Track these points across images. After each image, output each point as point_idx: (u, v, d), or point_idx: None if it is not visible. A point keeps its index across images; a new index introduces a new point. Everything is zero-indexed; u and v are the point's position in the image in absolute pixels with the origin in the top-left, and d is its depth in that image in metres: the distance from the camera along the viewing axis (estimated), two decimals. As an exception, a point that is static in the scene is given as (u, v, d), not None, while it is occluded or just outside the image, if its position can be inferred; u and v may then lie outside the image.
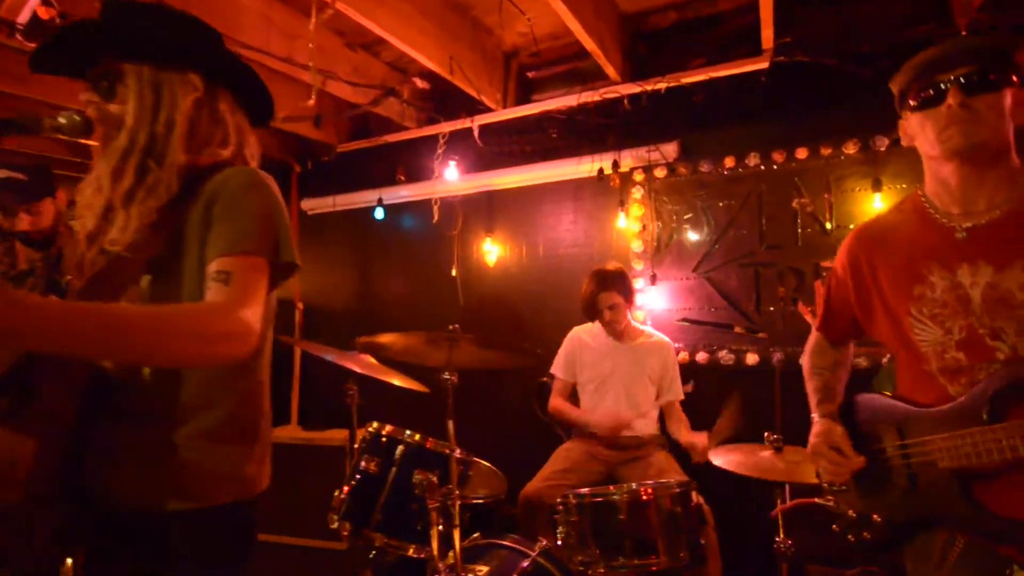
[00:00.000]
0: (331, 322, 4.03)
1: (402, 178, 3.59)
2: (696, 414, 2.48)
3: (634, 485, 1.74)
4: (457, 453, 1.76)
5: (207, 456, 1.05)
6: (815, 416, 1.28)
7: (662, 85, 2.80)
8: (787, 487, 1.88)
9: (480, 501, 2.18)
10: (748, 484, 1.77)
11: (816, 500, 1.35)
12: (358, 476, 1.69)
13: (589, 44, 2.52)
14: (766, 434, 1.74)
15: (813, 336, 1.44)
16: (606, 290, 2.40)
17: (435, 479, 1.59)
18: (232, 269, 0.98)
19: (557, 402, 2.62)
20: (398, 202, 3.73)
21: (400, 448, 1.71)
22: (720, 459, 1.70)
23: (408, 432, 1.75)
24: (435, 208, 3.47)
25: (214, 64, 1.10)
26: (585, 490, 1.81)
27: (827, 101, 2.57)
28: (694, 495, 1.74)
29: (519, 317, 3.32)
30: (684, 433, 2.31)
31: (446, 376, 1.56)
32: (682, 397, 2.50)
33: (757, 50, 2.59)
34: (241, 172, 1.08)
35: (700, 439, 2.12)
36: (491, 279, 3.44)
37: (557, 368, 2.65)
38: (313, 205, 4.09)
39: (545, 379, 2.93)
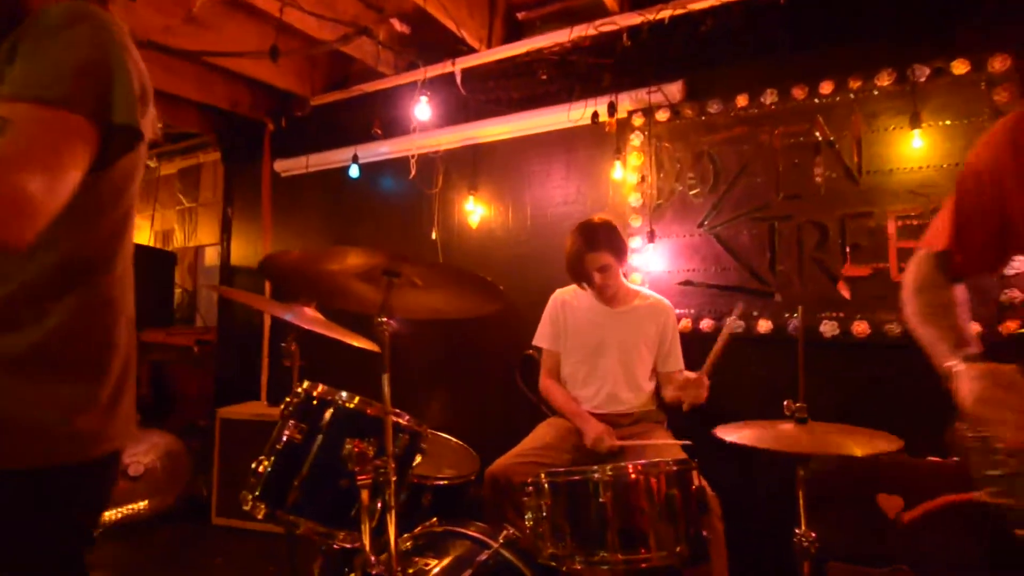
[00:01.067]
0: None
1: (378, 132, 3.26)
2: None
3: (620, 463, 1.41)
4: (404, 420, 1.44)
5: (4, 396, 0.74)
6: (952, 362, 0.93)
7: (665, 14, 2.44)
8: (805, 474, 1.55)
9: (444, 482, 1.86)
10: (761, 466, 1.44)
11: (968, 497, 0.97)
12: (279, 446, 1.37)
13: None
14: (786, 403, 1.40)
15: (922, 267, 1.10)
16: (594, 249, 2.05)
17: (370, 450, 1.27)
18: (12, 116, 0.67)
19: (548, 383, 2.28)
20: (375, 160, 3.40)
21: (329, 411, 1.39)
22: (731, 434, 1.36)
23: (344, 394, 1.42)
24: (412, 163, 3.14)
25: None
26: (560, 468, 1.48)
27: (856, 25, 2.21)
28: (695, 476, 1.41)
29: (505, 284, 2.97)
30: (671, 386, 1.97)
31: (381, 319, 1.23)
32: (682, 367, 2.16)
33: (776, -33, 2.23)
34: (58, 5, 0.76)
35: (694, 374, 1.80)
36: (474, 242, 3.11)
37: (542, 338, 2.31)
38: (287, 167, 3.78)
39: (531, 352, 2.61)
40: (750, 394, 2.28)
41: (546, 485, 1.40)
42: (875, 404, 2.12)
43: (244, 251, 4.07)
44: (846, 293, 2.16)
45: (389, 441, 1.20)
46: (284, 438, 1.37)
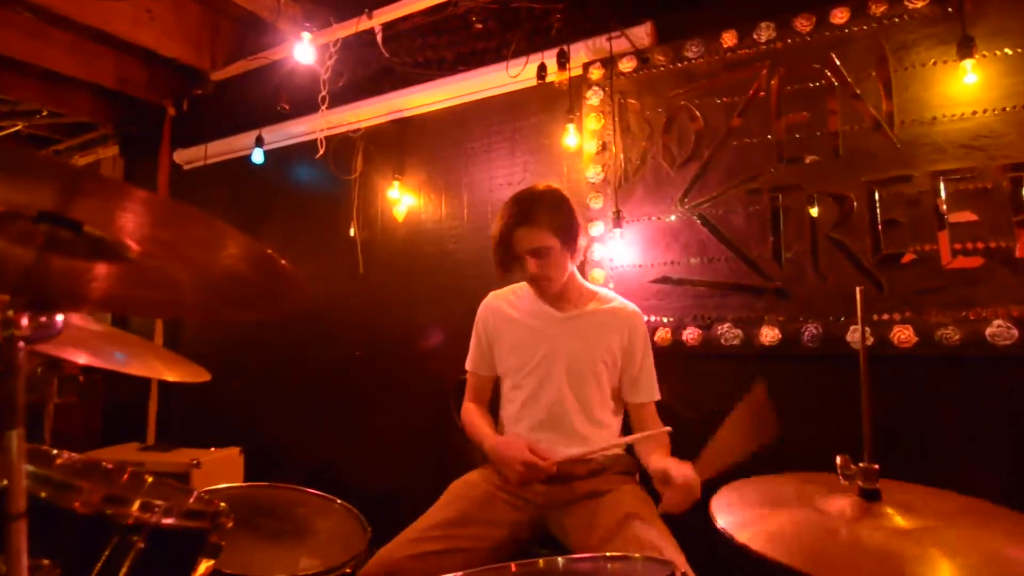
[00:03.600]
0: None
1: (285, 107, 2.64)
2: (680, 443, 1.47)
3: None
4: (155, 512, 0.79)
5: None
6: None
7: (627, -67, 1.89)
8: None
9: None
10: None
11: None
12: None
13: None
14: (839, 459, 0.78)
15: None
16: (527, 223, 1.42)
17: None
18: None
19: (467, 408, 1.66)
20: (285, 144, 2.80)
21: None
22: (741, 527, 0.74)
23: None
24: (320, 142, 2.52)
25: None
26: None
27: (878, -68, 1.66)
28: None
29: (439, 290, 2.36)
30: (655, 456, 1.32)
31: (11, 331, 0.59)
32: (658, 397, 1.54)
33: None
34: None
35: (679, 469, 1.17)
36: (399, 238, 2.49)
37: (470, 358, 1.68)
38: (189, 157, 3.16)
39: (465, 375, 1.96)
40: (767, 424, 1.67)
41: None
42: (928, 436, 1.52)
43: (142, 260, 3.40)
44: (878, 288, 1.57)
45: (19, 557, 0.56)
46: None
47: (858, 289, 0.95)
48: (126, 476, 1.07)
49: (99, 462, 1.07)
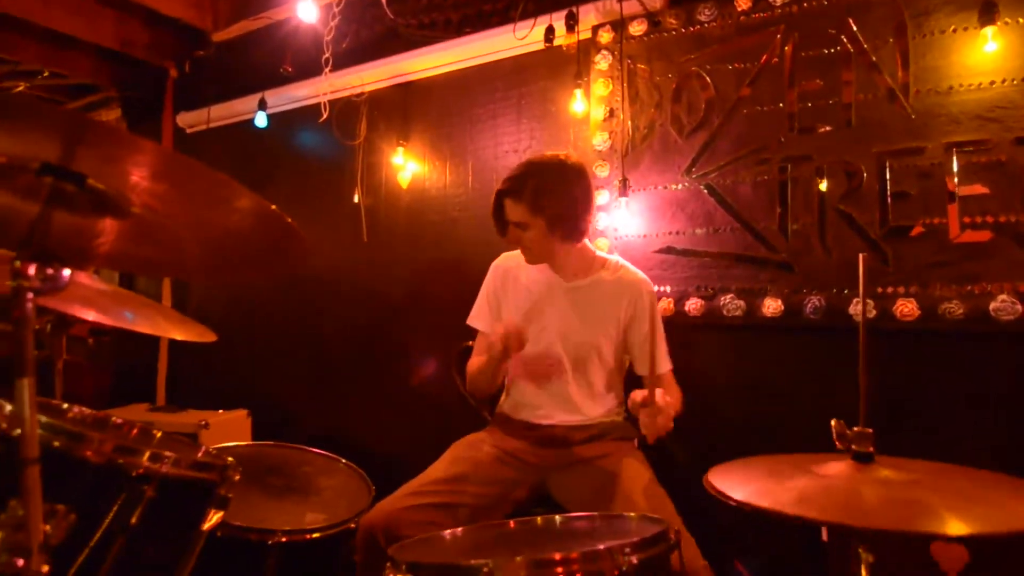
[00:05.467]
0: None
1: (288, 70, 2.60)
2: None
3: (541, 556, 0.79)
4: (167, 463, 0.81)
5: None
6: None
7: None
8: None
9: (292, 537, 1.24)
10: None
11: None
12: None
13: None
14: (834, 423, 0.79)
15: None
16: (512, 195, 1.42)
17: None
18: None
19: (473, 363, 1.66)
20: (289, 108, 2.77)
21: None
22: (736, 486, 0.75)
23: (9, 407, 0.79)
24: (324, 106, 2.49)
25: None
26: (447, 538, 0.86)
27: None
28: (676, 559, 0.79)
29: (442, 258, 2.37)
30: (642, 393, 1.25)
31: (19, 281, 0.60)
32: (670, 366, 1.53)
33: None
34: None
35: (660, 394, 1.17)
36: (404, 206, 2.48)
37: (476, 317, 1.68)
38: (192, 120, 3.14)
39: (471, 344, 1.97)
40: (757, 407, 1.69)
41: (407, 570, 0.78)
42: (924, 410, 1.53)
43: (147, 225, 3.42)
44: (883, 262, 1.56)
45: (35, 512, 0.58)
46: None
47: (860, 256, 0.94)
48: (135, 431, 1.09)
49: (109, 416, 1.10)
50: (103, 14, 2.98)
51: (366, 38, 2.50)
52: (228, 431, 2.42)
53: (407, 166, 2.44)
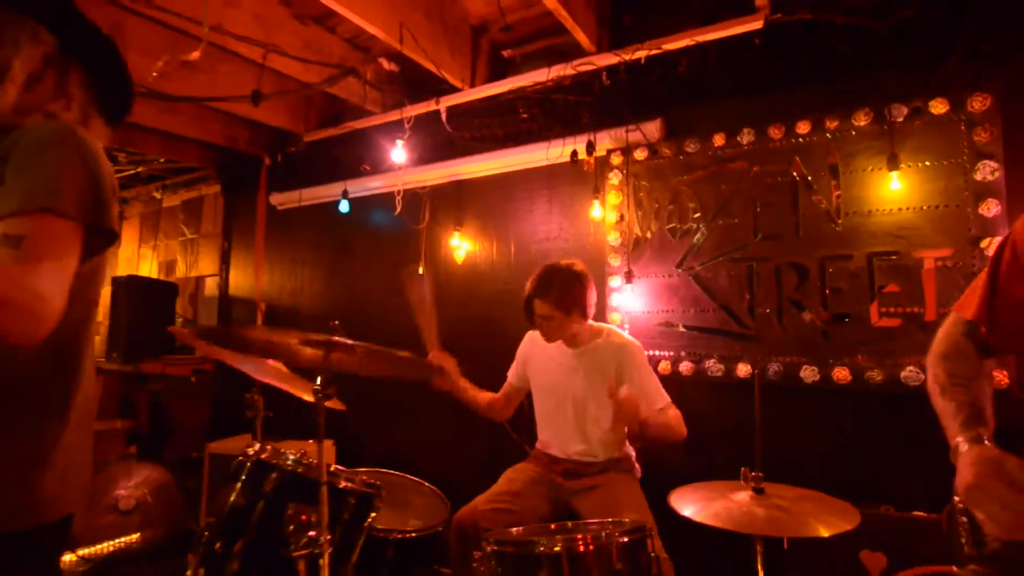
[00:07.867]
0: (295, 323, 3.74)
1: (367, 168, 3.30)
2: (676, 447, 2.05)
3: (572, 534, 1.37)
4: (353, 483, 1.42)
5: None
6: (959, 440, 0.91)
7: (641, 54, 2.44)
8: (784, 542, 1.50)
9: (409, 535, 1.83)
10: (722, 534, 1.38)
11: (952, 570, 0.94)
12: (223, 510, 1.36)
13: (551, 2, 2.18)
14: (743, 470, 1.35)
15: (951, 333, 1.05)
16: (540, 296, 2.01)
17: (314, 517, 1.25)
18: (25, 232, 0.76)
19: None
20: (365, 195, 3.44)
21: (273, 475, 1.38)
22: (686, 505, 1.32)
23: (292, 456, 1.41)
24: (398, 200, 3.16)
25: (69, 27, 0.92)
26: (514, 531, 1.44)
27: (833, 65, 2.17)
28: (651, 545, 1.36)
29: (488, 320, 2.97)
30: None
31: (317, 387, 1.23)
32: (660, 404, 2.02)
33: (750, 7, 2.21)
34: (44, 124, 0.87)
35: (627, 390, 1.78)
36: (459, 277, 3.11)
37: (510, 371, 2.31)
38: (282, 200, 3.85)
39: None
40: (730, 442, 2.22)
41: (492, 554, 1.37)
42: (857, 453, 2.04)
43: (241, 281, 4.14)
44: (825, 338, 2.09)
45: (324, 511, 1.19)
46: (229, 501, 1.36)
47: (765, 355, 1.50)
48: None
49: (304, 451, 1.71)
50: (214, 118, 3.73)
51: (430, 145, 3.17)
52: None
53: (462, 246, 3.08)
